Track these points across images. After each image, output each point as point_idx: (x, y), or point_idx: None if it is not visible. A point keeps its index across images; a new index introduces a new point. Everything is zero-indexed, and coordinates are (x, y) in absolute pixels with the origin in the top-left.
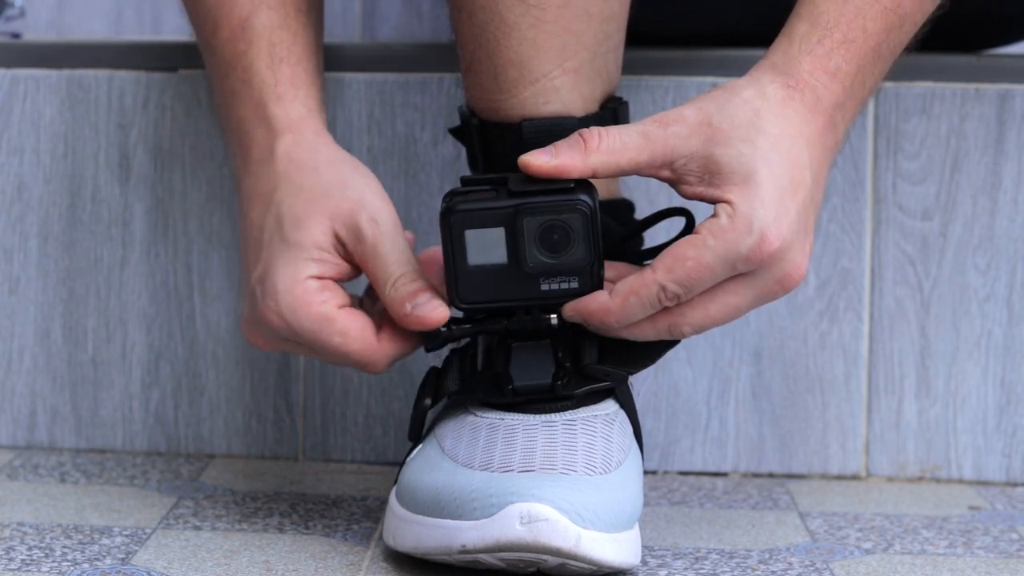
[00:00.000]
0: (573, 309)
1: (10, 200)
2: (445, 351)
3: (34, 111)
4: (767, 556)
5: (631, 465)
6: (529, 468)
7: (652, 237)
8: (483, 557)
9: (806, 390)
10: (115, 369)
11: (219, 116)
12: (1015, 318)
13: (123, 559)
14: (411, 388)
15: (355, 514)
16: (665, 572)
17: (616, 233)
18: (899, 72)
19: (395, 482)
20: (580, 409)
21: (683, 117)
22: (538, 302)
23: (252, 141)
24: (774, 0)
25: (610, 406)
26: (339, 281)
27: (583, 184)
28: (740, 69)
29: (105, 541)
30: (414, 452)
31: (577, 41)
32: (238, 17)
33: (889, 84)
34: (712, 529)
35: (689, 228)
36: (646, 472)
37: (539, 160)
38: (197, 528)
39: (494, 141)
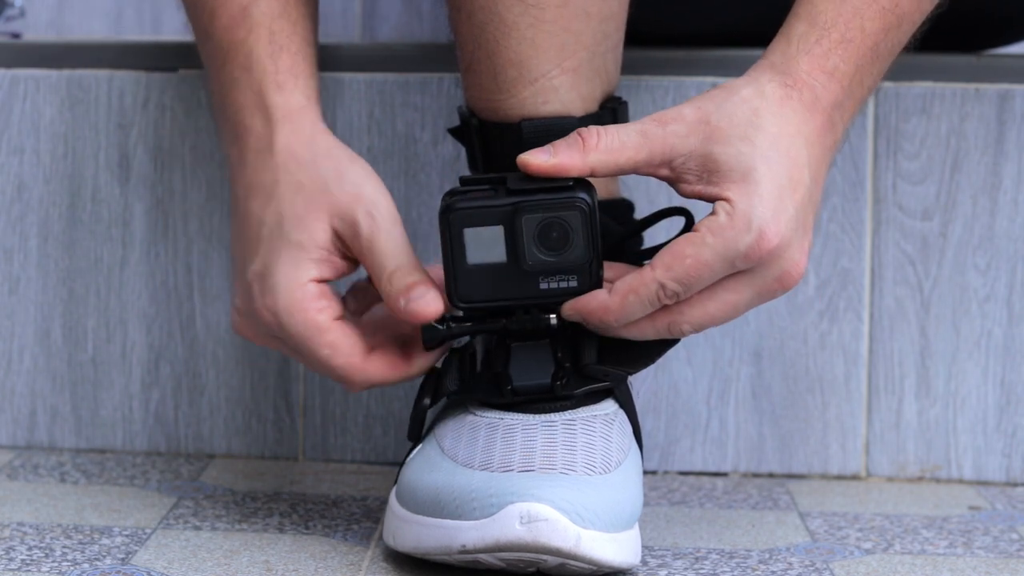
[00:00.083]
0: (572, 308)
1: (10, 200)
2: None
3: (34, 111)
4: (767, 556)
5: (631, 465)
6: (529, 468)
7: (652, 237)
8: (483, 557)
9: (806, 390)
10: (115, 369)
11: (213, 104)
12: (1015, 318)
13: (123, 559)
14: (411, 388)
15: (355, 514)
16: (665, 572)
17: (615, 233)
18: (899, 72)
19: (395, 482)
20: (580, 409)
21: (681, 116)
22: (537, 301)
23: (250, 130)
24: (774, 0)
25: (610, 406)
26: (338, 278)
27: (582, 183)
28: (740, 69)
29: (105, 541)
30: (414, 452)
31: (576, 41)
32: (238, 4)
33: (889, 84)
34: (712, 529)
35: (688, 228)
36: (646, 472)
37: (538, 159)
38: (197, 528)
39: (493, 141)
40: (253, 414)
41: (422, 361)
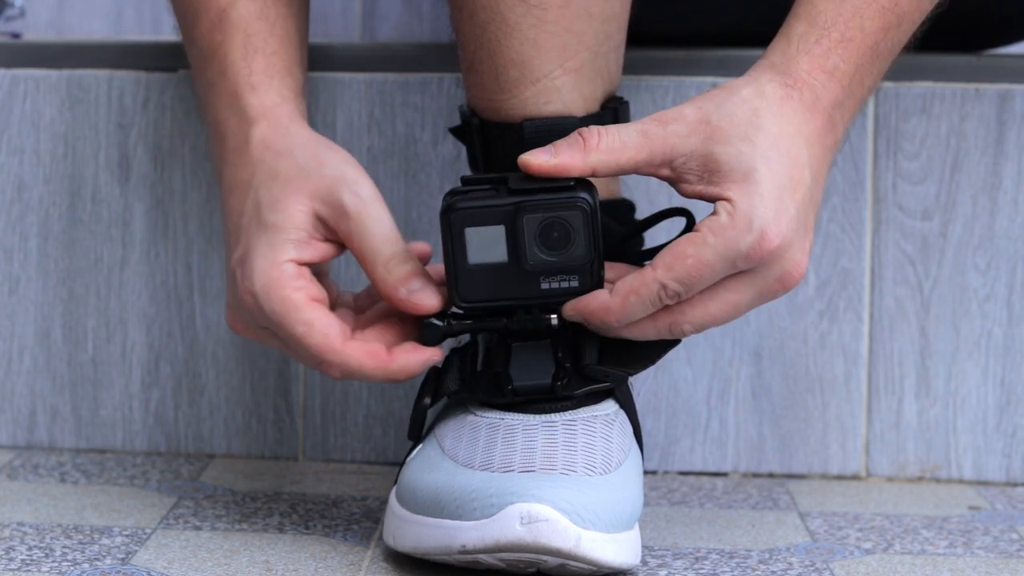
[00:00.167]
0: (573, 308)
1: (10, 200)
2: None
3: (34, 111)
4: (767, 556)
5: (631, 465)
6: (529, 468)
7: (652, 237)
8: (483, 557)
9: (806, 390)
10: (115, 369)
11: (199, 108)
12: (1015, 318)
13: (123, 559)
14: (411, 388)
15: (355, 514)
16: (665, 572)
17: (616, 233)
18: (899, 72)
19: (395, 482)
20: (580, 409)
21: (682, 116)
22: (538, 301)
23: (227, 130)
24: (774, 0)
25: (610, 406)
26: (322, 263)
27: (583, 182)
28: (740, 69)
29: (105, 541)
30: (414, 452)
31: (578, 41)
32: (216, 8)
33: (889, 84)
34: (712, 529)
35: (689, 228)
36: (646, 472)
37: (539, 159)
38: (197, 528)
39: (495, 141)
40: (253, 414)
41: (404, 360)
